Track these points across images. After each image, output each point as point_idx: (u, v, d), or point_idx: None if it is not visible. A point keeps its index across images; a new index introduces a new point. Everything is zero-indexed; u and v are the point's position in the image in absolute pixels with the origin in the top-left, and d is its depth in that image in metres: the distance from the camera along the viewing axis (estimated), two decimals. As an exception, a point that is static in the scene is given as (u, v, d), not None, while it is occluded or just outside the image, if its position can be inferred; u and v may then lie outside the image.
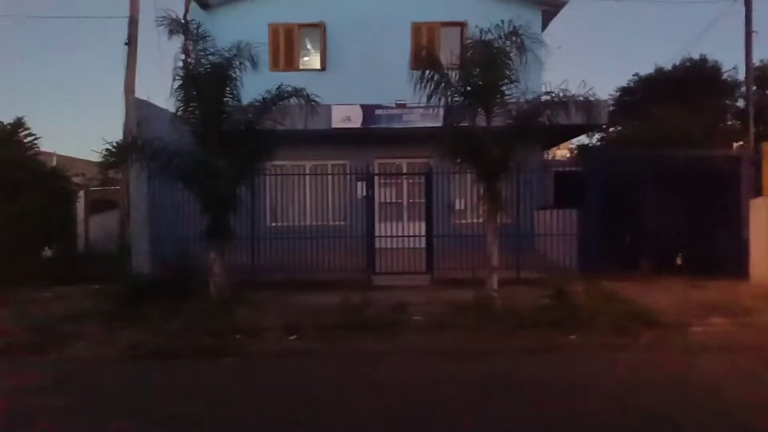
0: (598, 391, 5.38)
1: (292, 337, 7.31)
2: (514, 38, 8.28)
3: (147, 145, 8.46)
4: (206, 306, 8.23)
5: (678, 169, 10.95)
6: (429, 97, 8.49)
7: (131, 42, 11.69)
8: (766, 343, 6.88)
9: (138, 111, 10.91)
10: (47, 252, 12.46)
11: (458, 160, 8.98)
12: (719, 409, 4.82)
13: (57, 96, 57.00)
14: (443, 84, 8.47)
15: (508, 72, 8.45)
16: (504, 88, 8.52)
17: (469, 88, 8.52)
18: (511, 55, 8.34)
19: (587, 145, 19.86)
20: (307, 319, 7.87)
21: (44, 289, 10.15)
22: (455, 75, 8.60)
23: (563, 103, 8.29)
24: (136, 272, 10.18)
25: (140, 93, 11.67)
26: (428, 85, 8.44)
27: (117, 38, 17.52)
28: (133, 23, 11.72)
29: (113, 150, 8.21)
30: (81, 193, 14.72)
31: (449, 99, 8.52)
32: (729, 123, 18.73)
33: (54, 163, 17.40)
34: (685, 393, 5.31)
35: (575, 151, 21.14)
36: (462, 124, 8.71)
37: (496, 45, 8.43)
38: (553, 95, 8.31)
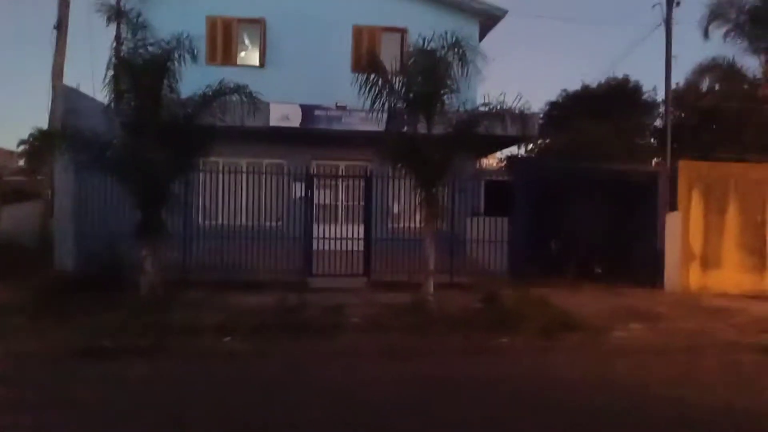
0: (522, 389, 5.70)
1: (226, 338, 7.18)
2: (456, 49, 8.51)
3: (77, 135, 8.07)
4: (137, 305, 7.95)
5: (601, 181, 11.57)
6: (372, 101, 8.58)
7: (61, 25, 11.09)
8: (678, 347, 7.42)
9: (66, 99, 10.37)
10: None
11: (399, 165, 9.12)
12: (631, 405, 5.22)
13: (-34, 77, 53.09)
14: (387, 89, 8.60)
15: (449, 81, 8.69)
16: (444, 96, 8.76)
17: (411, 95, 8.69)
18: (453, 64, 8.57)
19: (517, 155, 20.63)
20: (242, 319, 7.76)
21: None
22: (398, 81, 8.74)
23: (500, 114, 8.62)
24: (60, 269, 9.67)
25: (69, 81, 11.12)
26: (372, 89, 8.54)
27: (46, 20, 16.55)
28: (63, 5, 11.13)
29: (37, 139, 7.73)
30: (-7, 183, 13.85)
31: (392, 104, 8.65)
32: (648, 140, 20.03)
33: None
34: (601, 391, 5.69)
35: (504, 161, 21.89)
36: (403, 130, 8.87)
37: (437, 54, 8.64)
38: (491, 107, 8.62)
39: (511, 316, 8.28)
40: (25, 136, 24.40)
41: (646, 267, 11.36)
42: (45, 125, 10.82)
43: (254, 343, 7.01)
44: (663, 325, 8.50)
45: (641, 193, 11.68)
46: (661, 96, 18.12)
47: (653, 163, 16.78)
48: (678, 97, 18.25)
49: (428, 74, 8.60)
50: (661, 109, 18.25)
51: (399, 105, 8.75)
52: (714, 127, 18.44)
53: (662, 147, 16.23)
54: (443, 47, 8.54)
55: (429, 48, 8.66)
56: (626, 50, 27.86)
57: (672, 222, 11.27)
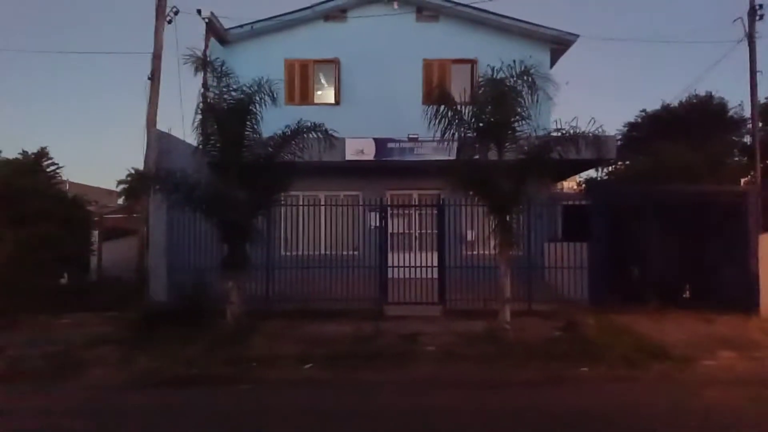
0: (608, 421, 5.48)
1: (306, 366, 7.42)
2: (525, 77, 8.58)
3: (169, 176, 8.74)
4: (222, 334, 8.40)
5: (685, 204, 11.09)
6: (443, 133, 8.75)
7: (154, 76, 12.12)
8: (771, 377, 6.95)
9: (159, 143, 11.24)
10: (64, 279, 12.68)
11: (470, 193, 9.20)
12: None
13: (78, 127, 58.27)
14: (456, 120, 8.75)
15: (519, 109, 8.73)
16: (515, 124, 8.79)
17: (481, 124, 8.80)
18: (522, 93, 8.62)
19: (595, 179, 20.09)
20: (321, 348, 8.02)
21: (62, 316, 10.33)
22: (468, 111, 8.88)
23: (573, 139, 8.54)
24: (154, 300, 10.37)
25: (162, 126, 12.07)
26: (442, 120, 8.72)
27: (139, 72, 18.03)
28: (156, 58, 12.16)
29: (134, 180, 8.46)
30: (96, 221, 14.99)
31: (462, 134, 8.78)
32: (736, 158, 18.97)
33: (67, 190, 17.79)
34: (690, 424, 5.40)
35: (582, 185, 21.36)
36: (474, 159, 8.96)
37: (507, 83, 8.73)
38: (563, 131, 8.57)
39: (592, 344, 8.08)
40: (123, 176, 26.60)
41: (739, 291, 10.69)
42: (140, 166, 11.74)
43: (332, 372, 7.20)
44: (758, 353, 7.95)
45: (729, 214, 11.08)
46: (748, 112, 17.20)
47: (742, 182, 15.90)
48: (766, 112, 17.27)
49: (497, 103, 8.68)
50: (749, 125, 17.28)
51: (469, 134, 8.86)
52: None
53: (752, 164, 15.36)
54: (512, 76, 8.62)
55: (498, 77, 8.77)
56: (708, 67, 26.65)
57: (766, 243, 10.61)
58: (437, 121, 8.74)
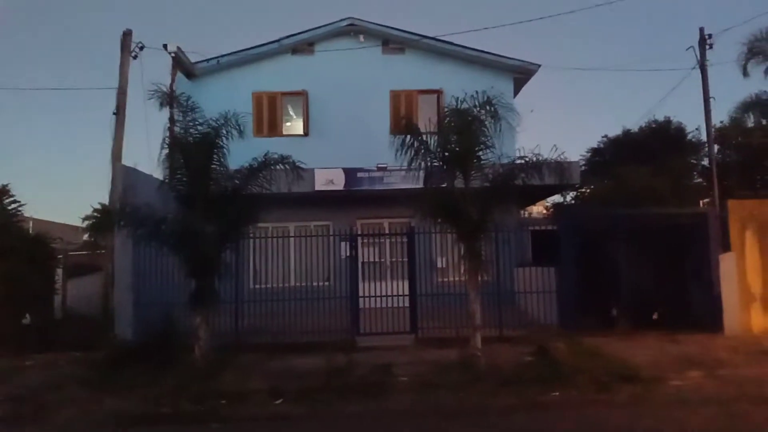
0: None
1: (277, 401, 7.31)
2: (488, 107, 8.76)
3: (135, 211, 8.62)
4: (191, 371, 8.22)
5: (649, 226, 11.38)
6: (410, 162, 8.85)
7: (119, 111, 12.02)
8: (742, 396, 7.05)
9: (125, 178, 11.11)
10: (27, 319, 12.28)
11: (439, 221, 9.29)
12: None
13: (42, 163, 57.20)
14: (423, 149, 8.87)
15: (483, 138, 8.89)
16: (480, 152, 8.94)
17: (447, 154, 8.93)
18: (486, 122, 8.80)
19: (561, 203, 20.49)
20: (293, 382, 7.91)
21: (26, 356, 10.00)
22: (434, 141, 9.02)
23: (537, 166, 8.72)
24: (120, 338, 10.11)
25: (127, 161, 11.92)
26: (409, 150, 8.83)
27: (104, 107, 17.87)
28: (121, 93, 12.08)
29: (99, 215, 8.31)
30: (60, 258, 14.61)
31: (429, 163, 8.90)
32: (696, 181, 19.58)
33: (30, 227, 17.32)
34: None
35: (551, 209, 21.74)
36: (441, 187, 9.07)
37: (471, 113, 8.90)
38: (527, 159, 8.76)
39: (564, 368, 8.10)
40: (88, 212, 26.07)
41: (704, 311, 10.95)
42: (106, 202, 11.54)
43: (304, 406, 7.09)
44: (723, 372, 8.11)
45: (692, 235, 11.42)
46: (704, 135, 17.86)
47: (702, 203, 16.39)
48: (723, 136, 17.93)
49: (462, 132, 8.83)
50: (707, 149, 17.92)
51: (435, 163, 8.98)
52: (764, 163, 17.91)
53: (711, 186, 15.86)
54: (476, 106, 8.81)
55: (462, 108, 8.94)
56: (664, 93, 27.60)
57: (727, 263, 10.91)
58: (404, 151, 8.84)
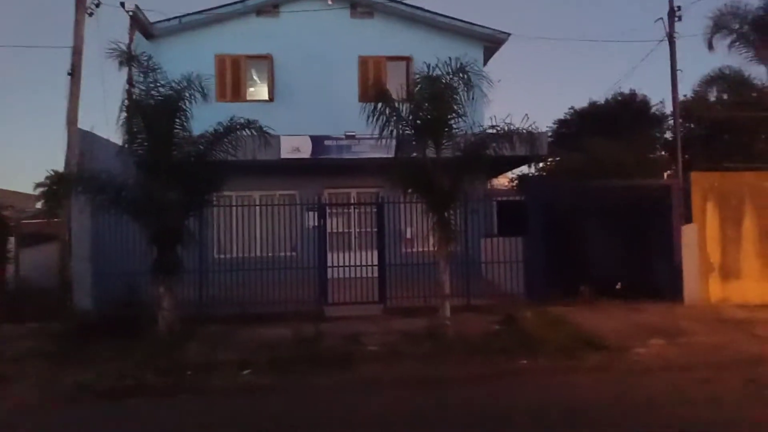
0: (547, 413, 5.57)
1: (245, 372, 7.19)
2: (461, 74, 8.61)
3: (93, 177, 8.23)
4: (156, 343, 8.00)
5: (614, 198, 11.51)
6: (381, 130, 8.67)
7: (74, 72, 11.37)
8: (702, 362, 7.27)
9: (81, 143, 10.60)
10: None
11: (409, 191, 9.18)
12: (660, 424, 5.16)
13: (-14, 124, 54.47)
14: (394, 117, 8.69)
15: (455, 106, 8.76)
16: (452, 121, 8.82)
17: (418, 122, 8.77)
18: (459, 90, 8.65)
19: (528, 175, 20.64)
20: (260, 353, 7.79)
21: (-23, 329, 9.58)
22: (405, 108, 8.84)
23: (508, 135, 8.66)
24: (79, 309, 9.77)
25: (83, 125, 11.34)
26: (380, 118, 8.63)
27: (58, 68, 16.99)
28: (77, 53, 11.41)
29: (55, 182, 7.90)
30: (12, 227, 14.02)
31: (400, 131, 8.73)
32: (659, 153, 19.94)
33: (-18, 195, 16.54)
34: (630, 412, 5.58)
35: (515, 181, 21.88)
36: (413, 156, 8.94)
37: (443, 81, 8.73)
38: (498, 128, 8.67)
39: (530, 337, 8.23)
40: (41, 179, 25.01)
41: (665, 281, 11.22)
42: (61, 168, 11.01)
43: (273, 377, 7.00)
44: (684, 340, 8.36)
45: (655, 207, 11.60)
46: (669, 109, 18.14)
47: (665, 176, 16.72)
48: (687, 109, 18.21)
49: (434, 100, 8.67)
50: (670, 122, 18.22)
51: (407, 132, 8.82)
52: (725, 137, 18.34)
53: (673, 159, 16.16)
54: (448, 73, 8.64)
55: (434, 75, 8.76)
56: (632, 66, 27.98)
57: (688, 234, 11.16)
58: (375, 118, 8.64)
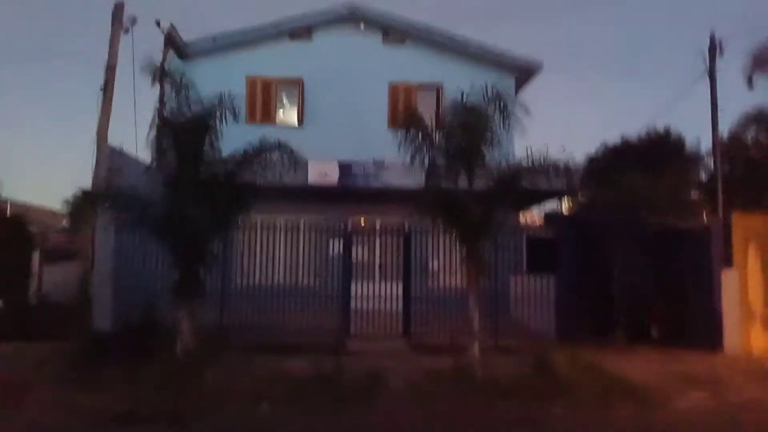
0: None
1: (262, 404, 6.87)
2: (497, 102, 8.36)
3: (119, 194, 8.08)
4: (172, 368, 7.71)
5: (649, 237, 11.07)
6: (412, 157, 8.42)
7: (107, 88, 11.40)
8: (748, 421, 6.78)
9: (110, 160, 10.54)
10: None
11: (439, 221, 8.87)
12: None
13: (17, 140, 55.62)
14: (426, 144, 8.44)
15: (489, 135, 8.50)
16: (485, 151, 8.55)
17: (450, 150, 8.51)
18: (494, 118, 8.40)
19: (558, 210, 20.18)
20: (279, 385, 7.47)
21: (-5, 345, 9.42)
22: (437, 136, 8.60)
23: (544, 168, 8.34)
24: (98, 328, 9.56)
25: (113, 142, 11.31)
26: (411, 144, 8.39)
27: (91, 84, 17.20)
28: (110, 69, 11.46)
29: (81, 198, 7.80)
30: (37, 242, 14.01)
31: (432, 159, 8.48)
32: (693, 194, 19.37)
33: (8, 211, 16.65)
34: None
35: (543, 216, 21.42)
36: (443, 185, 8.65)
37: (478, 108, 8.49)
38: (535, 160, 8.36)
39: (564, 382, 7.77)
40: (69, 195, 24.87)
41: (704, 328, 10.65)
42: (89, 185, 10.93)
43: (291, 411, 6.69)
44: (727, 394, 7.79)
45: (693, 248, 11.09)
46: (704, 148, 17.66)
47: (704, 216, 16.13)
48: (722, 149, 17.70)
49: (468, 128, 8.42)
50: (707, 162, 17.73)
51: (439, 160, 8.56)
52: (763, 178, 17.75)
53: (709, 200, 15.63)
54: (483, 101, 8.40)
55: (468, 102, 8.53)
56: (669, 102, 27.42)
57: (729, 279, 10.61)
58: (407, 144, 8.40)
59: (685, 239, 11.19)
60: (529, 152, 8.50)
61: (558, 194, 14.93)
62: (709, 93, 14.62)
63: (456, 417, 6.67)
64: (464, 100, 8.59)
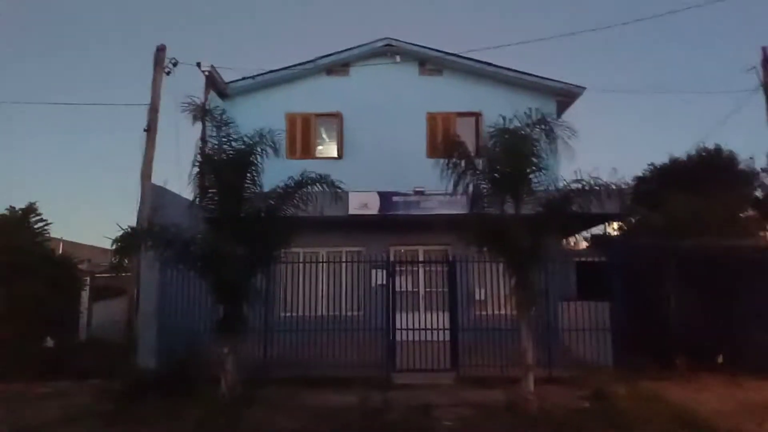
0: None
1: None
2: (541, 126, 8.13)
3: (162, 231, 8.11)
4: (217, 406, 7.58)
5: (705, 260, 10.50)
6: (455, 184, 8.21)
7: (150, 128, 11.68)
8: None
9: (154, 197, 10.69)
10: (49, 342, 11.86)
11: (485, 248, 8.59)
12: None
13: (69, 182, 57.88)
14: (470, 170, 8.23)
15: (535, 159, 8.24)
16: (531, 175, 8.29)
17: (496, 175, 8.27)
18: (540, 141, 8.16)
19: (609, 234, 19.50)
20: (325, 423, 7.26)
21: (42, 383, 9.49)
22: (481, 162, 8.39)
23: (595, 191, 7.99)
24: (143, 366, 9.54)
25: (157, 180, 11.52)
26: (455, 169, 8.19)
27: (135, 125, 17.69)
28: (153, 110, 11.75)
29: (125, 236, 7.85)
30: (86, 280, 14.28)
31: (477, 186, 8.25)
32: (748, 212, 18.44)
33: (60, 249, 17.08)
34: None
35: (592, 240, 20.73)
36: (488, 212, 8.40)
37: (522, 132, 8.26)
38: (584, 183, 8.03)
39: (625, 417, 7.30)
40: (116, 233, 25.52)
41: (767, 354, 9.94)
42: (134, 223, 11.10)
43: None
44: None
45: (754, 270, 10.47)
46: (760, 164, 16.83)
47: (763, 235, 15.27)
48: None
49: (512, 153, 8.18)
50: (762, 177, 16.87)
51: (483, 186, 8.33)
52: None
53: (766, 219, 14.82)
54: (528, 124, 8.18)
55: (512, 127, 8.32)
56: (716, 119, 26.46)
57: (797, 302, 9.93)
58: (449, 171, 8.21)
59: (746, 260, 10.57)
60: (578, 175, 8.18)
61: (608, 218, 14.36)
62: (765, 107, 13.89)
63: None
64: (506, 125, 8.39)
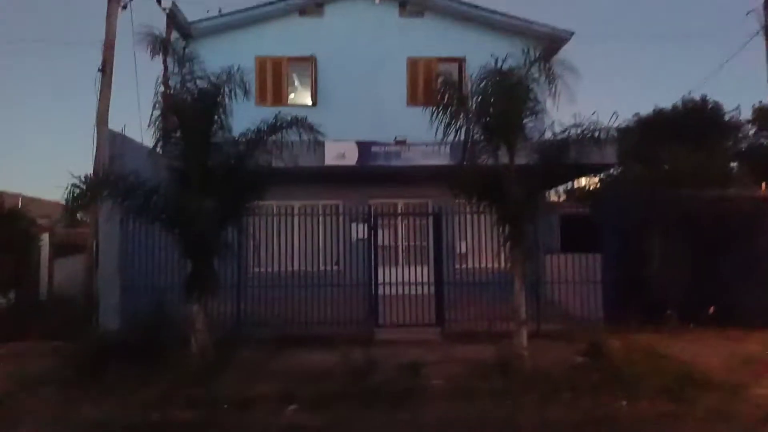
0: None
1: (290, 408, 6.15)
2: (540, 65, 7.45)
3: (120, 180, 7.30)
4: (187, 369, 6.99)
5: (699, 211, 10.17)
6: (445, 130, 7.53)
7: (105, 68, 10.56)
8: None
9: (111, 144, 9.75)
10: (3, 301, 11.06)
11: (476, 200, 8.02)
12: None
13: (22, 129, 55.01)
14: (462, 114, 7.54)
15: (531, 104, 7.60)
16: (526, 121, 7.66)
17: (488, 119, 7.60)
18: (537, 84, 7.50)
19: (599, 185, 19.07)
20: (306, 384, 6.76)
21: (-2, 344, 8.78)
22: (473, 104, 7.70)
23: (595, 137, 7.41)
24: (104, 328, 8.84)
25: (115, 126, 10.53)
26: (445, 113, 7.50)
27: (91, 65, 16.41)
28: (108, 47, 10.60)
29: (80, 187, 7.02)
30: (45, 237, 13.36)
31: (470, 133, 7.58)
32: (731, 164, 18.22)
33: (19, 204, 16.03)
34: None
35: (570, 193, 20.42)
36: (479, 162, 7.77)
37: (515, 75, 7.57)
38: (584, 129, 7.42)
39: (623, 373, 6.95)
40: (71, 185, 24.15)
41: (759, 306, 9.74)
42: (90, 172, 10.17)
43: (322, 415, 5.97)
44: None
45: (748, 221, 10.18)
46: (745, 116, 16.48)
47: (763, 187, 14.95)
48: (763, 117, 16.59)
49: (505, 96, 7.50)
50: (746, 130, 16.57)
51: (476, 134, 7.66)
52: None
53: (751, 170, 14.57)
54: (526, 64, 7.49)
55: (505, 68, 7.62)
56: (708, 68, 26.02)
57: (791, 255, 9.68)
58: (439, 114, 7.51)
59: (739, 212, 10.25)
60: (576, 121, 7.56)
61: (601, 168, 13.82)
62: (766, 52, 13.28)
63: (506, 416, 5.90)
64: (498, 66, 7.68)
